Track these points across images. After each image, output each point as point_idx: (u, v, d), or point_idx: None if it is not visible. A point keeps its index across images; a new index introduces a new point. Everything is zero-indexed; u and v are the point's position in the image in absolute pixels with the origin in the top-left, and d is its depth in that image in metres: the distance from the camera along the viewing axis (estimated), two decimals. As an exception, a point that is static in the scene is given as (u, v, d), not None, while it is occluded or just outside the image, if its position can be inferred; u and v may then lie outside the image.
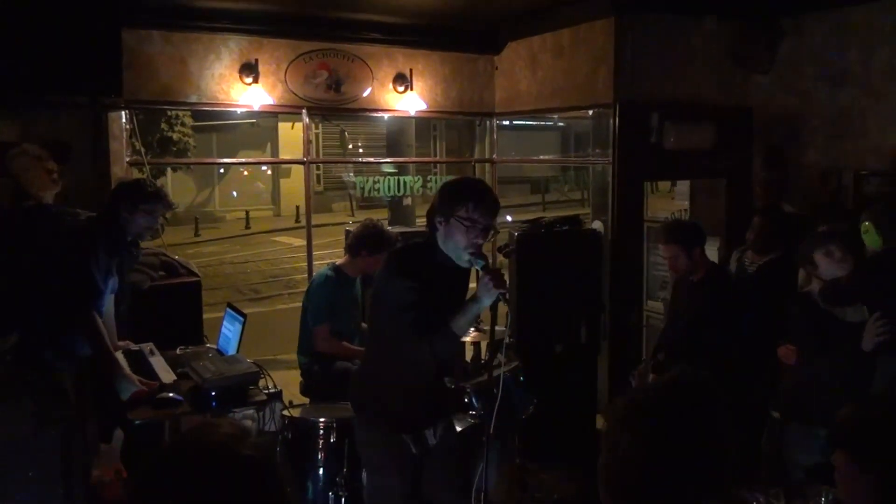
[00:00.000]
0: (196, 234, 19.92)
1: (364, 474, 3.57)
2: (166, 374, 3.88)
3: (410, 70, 6.38)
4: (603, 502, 1.41)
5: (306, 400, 4.55)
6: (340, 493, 3.62)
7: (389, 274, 2.96)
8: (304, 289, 5.02)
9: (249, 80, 5.81)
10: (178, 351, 4.28)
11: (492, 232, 2.92)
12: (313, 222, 6.86)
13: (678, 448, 1.36)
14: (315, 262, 6.66)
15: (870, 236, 3.75)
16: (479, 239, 2.87)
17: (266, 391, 3.93)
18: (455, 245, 2.89)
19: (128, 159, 5.62)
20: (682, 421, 1.38)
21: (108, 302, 3.91)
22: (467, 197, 2.87)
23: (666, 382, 1.45)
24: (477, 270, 2.92)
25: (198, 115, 16.74)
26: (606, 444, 1.42)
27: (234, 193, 23.91)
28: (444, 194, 2.97)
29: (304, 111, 6.19)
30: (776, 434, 3.81)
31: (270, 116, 17.84)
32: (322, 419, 3.74)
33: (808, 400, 3.59)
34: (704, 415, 1.41)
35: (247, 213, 22.03)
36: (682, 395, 1.42)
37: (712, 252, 5.74)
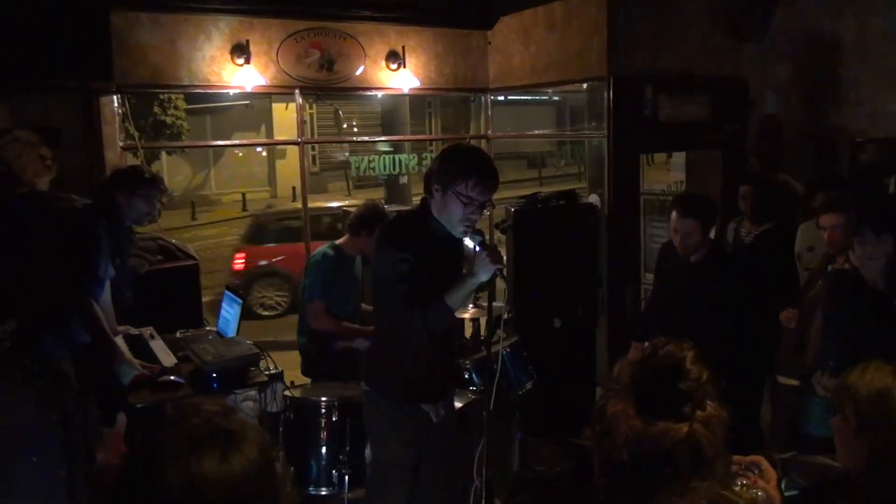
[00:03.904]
0: (193, 218, 19.90)
1: (367, 450, 3.60)
2: (167, 358, 3.89)
3: (403, 47, 6.33)
4: (596, 473, 1.43)
5: (307, 380, 4.56)
6: (344, 471, 3.64)
7: (381, 246, 2.96)
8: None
9: (241, 60, 5.76)
10: (178, 334, 4.29)
11: (488, 208, 2.90)
12: (309, 203, 6.84)
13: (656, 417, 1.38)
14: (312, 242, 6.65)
15: None
16: (475, 215, 2.86)
17: (267, 372, 3.94)
18: (449, 217, 2.89)
19: (121, 144, 5.59)
20: (659, 390, 1.40)
21: (106, 288, 3.91)
22: (470, 174, 2.82)
23: (650, 353, 1.47)
24: (474, 246, 2.93)
25: (191, 97, 16.61)
26: (595, 414, 1.44)
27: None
28: (447, 163, 2.91)
29: (297, 91, 6.15)
30: (787, 402, 3.81)
31: (264, 97, 17.73)
32: (323, 398, 3.76)
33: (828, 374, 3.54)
34: (685, 388, 1.43)
35: (243, 195, 21.98)
36: (661, 364, 1.44)
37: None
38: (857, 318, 3.42)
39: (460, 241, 3.06)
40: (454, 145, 3.21)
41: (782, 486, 2.61)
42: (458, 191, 2.82)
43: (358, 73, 6.25)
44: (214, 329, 4.48)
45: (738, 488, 1.98)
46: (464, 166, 2.85)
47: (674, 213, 3.95)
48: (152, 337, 4.09)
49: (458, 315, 4.08)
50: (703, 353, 1.52)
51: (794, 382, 3.86)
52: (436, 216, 2.93)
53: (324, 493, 3.73)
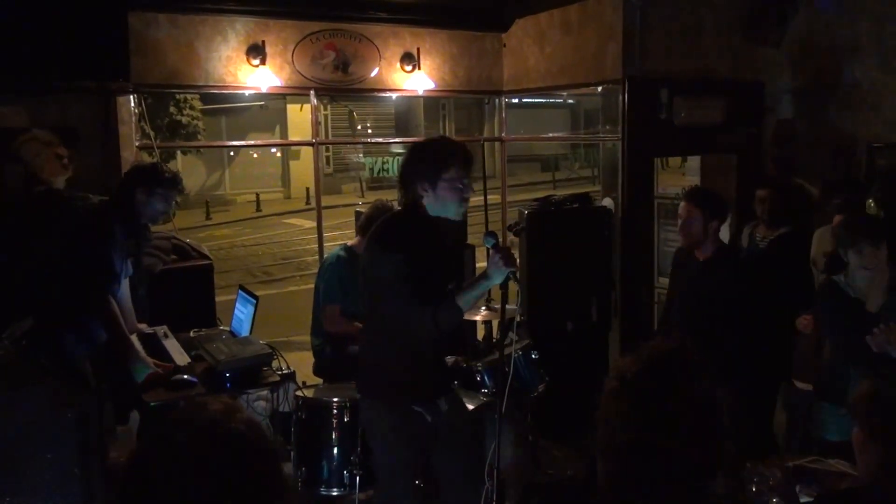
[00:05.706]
0: (207, 218, 20.03)
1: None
2: (180, 357, 3.91)
3: (418, 49, 6.34)
4: (601, 475, 1.43)
5: (319, 380, 4.58)
6: (355, 472, 3.65)
7: (379, 249, 2.98)
8: (316, 270, 5.04)
9: (257, 61, 5.79)
10: (191, 333, 4.30)
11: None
12: (323, 204, 6.86)
13: (660, 420, 1.38)
14: (326, 244, 6.68)
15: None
16: (468, 191, 2.99)
17: (279, 372, 3.95)
18: (445, 205, 2.98)
19: (137, 143, 5.63)
20: (662, 392, 1.40)
21: (125, 286, 3.94)
22: (454, 161, 2.95)
23: (649, 354, 1.47)
24: (487, 249, 2.94)
25: (206, 98, 16.74)
26: (599, 415, 1.44)
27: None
28: (427, 159, 2.99)
29: (311, 92, 6.16)
30: (803, 407, 3.80)
31: (278, 98, 17.84)
32: (335, 399, 3.77)
33: (838, 381, 3.52)
34: (684, 385, 1.42)
35: (257, 195, 22.08)
36: (662, 366, 1.44)
37: (724, 227, 5.72)
38: (838, 327, 3.47)
39: (457, 238, 3.12)
40: (418, 144, 3.25)
41: (796, 492, 2.60)
42: (449, 179, 2.93)
43: (373, 74, 6.27)
44: (228, 329, 4.51)
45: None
46: (447, 156, 2.98)
47: (681, 202, 4.10)
48: (166, 336, 4.11)
49: (470, 317, 4.08)
50: (706, 353, 1.52)
51: (811, 387, 3.84)
52: (431, 212, 2.99)
53: (335, 493, 3.74)
